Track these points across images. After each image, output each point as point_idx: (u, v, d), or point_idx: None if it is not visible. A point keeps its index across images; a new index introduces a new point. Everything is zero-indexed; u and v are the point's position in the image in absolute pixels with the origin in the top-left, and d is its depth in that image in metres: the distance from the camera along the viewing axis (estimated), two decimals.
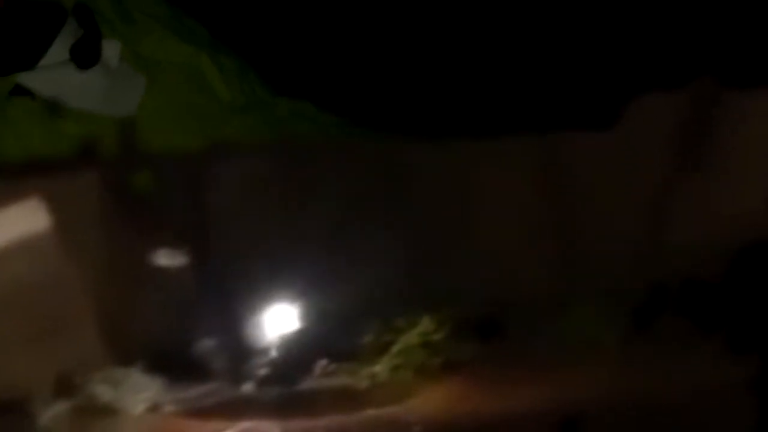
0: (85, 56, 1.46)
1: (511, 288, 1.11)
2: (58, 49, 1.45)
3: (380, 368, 1.08)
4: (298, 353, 1.08)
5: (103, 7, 1.58)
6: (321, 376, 1.09)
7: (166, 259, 1.11)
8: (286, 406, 1.07)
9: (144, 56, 1.61)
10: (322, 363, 1.09)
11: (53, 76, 1.48)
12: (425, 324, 1.08)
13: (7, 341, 1.07)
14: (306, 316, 1.09)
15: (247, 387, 1.08)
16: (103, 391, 1.06)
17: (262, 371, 1.08)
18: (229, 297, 1.10)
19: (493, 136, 1.24)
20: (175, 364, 1.09)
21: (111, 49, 1.54)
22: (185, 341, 1.10)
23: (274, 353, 1.08)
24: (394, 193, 1.17)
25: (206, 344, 1.09)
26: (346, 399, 1.07)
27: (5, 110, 1.47)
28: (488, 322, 1.09)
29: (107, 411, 1.06)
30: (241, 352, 1.09)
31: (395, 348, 1.07)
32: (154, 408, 1.06)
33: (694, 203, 1.14)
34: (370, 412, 1.05)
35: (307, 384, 1.09)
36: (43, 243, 1.11)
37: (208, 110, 1.65)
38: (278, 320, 1.09)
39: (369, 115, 1.80)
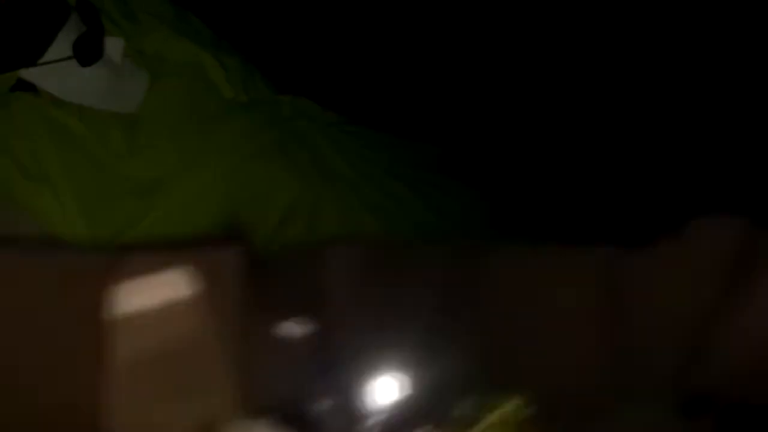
0: (87, 52, 1.44)
1: (575, 383, 1.29)
2: (61, 45, 1.44)
3: None
4: (403, 419, 1.25)
5: (107, 4, 1.60)
6: None
7: (293, 329, 1.28)
8: None
9: (147, 54, 1.62)
10: (424, 429, 1.26)
11: (56, 72, 1.46)
12: (509, 405, 1.25)
13: (151, 396, 1.22)
14: (412, 386, 1.26)
15: None
16: None
17: (370, 431, 1.25)
18: (344, 367, 1.27)
19: (559, 246, 1.40)
20: (297, 420, 1.25)
21: (114, 46, 1.53)
22: (306, 402, 1.26)
23: (382, 416, 1.24)
24: (476, 293, 1.34)
25: (324, 405, 1.25)
26: None
27: (8, 105, 1.47)
28: (558, 411, 1.26)
29: None
30: (353, 413, 1.25)
31: (483, 422, 1.24)
32: None
33: (742, 329, 1.25)
34: None
35: None
36: (188, 310, 1.25)
37: (210, 108, 1.69)
38: (387, 389, 1.26)
39: (371, 114, 1.90)
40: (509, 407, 1.25)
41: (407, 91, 2.07)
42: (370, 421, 1.25)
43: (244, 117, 1.69)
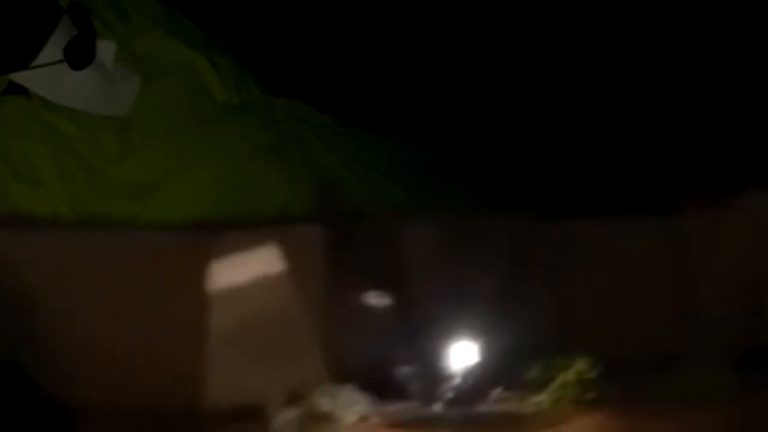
0: (79, 56, 1.42)
1: (644, 341, 1.36)
2: (53, 49, 1.43)
3: (543, 398, 1.32)
4: (478, 382, 1.33)
5: (99, 6, 1.57)
6: (495, 402, 1.34)
7: (374, 300, 1.37)
8: (466, 424, 1.31)
9: (139, 56, 1.60)
10: (497, 391, 1.34)
11: (47, 75, 1.44)
12: (580, 365, 1.32)
13: (248, 361, 1.32)
14: (486, 351, 1.34)
15: (437, 407, 1.33)
16: (323, 403, 1.30)
17: (449, 394, 1.33)
18: (424, 333, 1.35)
19: (621, 214, 1.47)
20: (380, 385, 1.34)
21: (106, 49, 1.50)
22: (389, 366, 1.35)
23: (458, 380, 1.33)
24: (549, 261, 1.41)
25: (405, 370, 1.34)
26: (515, 422, 1.31)
27: (1, 109, 1.46)
28: (628, 368, 1.34)
29: (326, 419, 1.30)
30: (432, 378, 1.34)
31: (556, 383, 1.31)
32: (363, 419, 1.31)
33: None
34: None
35: (484, 407, 1.33)
36: (277, 283, 1.34)
37: (203, 110, 1.66)
38: (462, 354, 1.34)
39: (366, 116, 1.89)
40: (580, 367, 1.32)
41: (402, 93, 2.06)
42: (447, 385, 1.34)
43: (238, 119, 1.68)
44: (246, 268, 1.34)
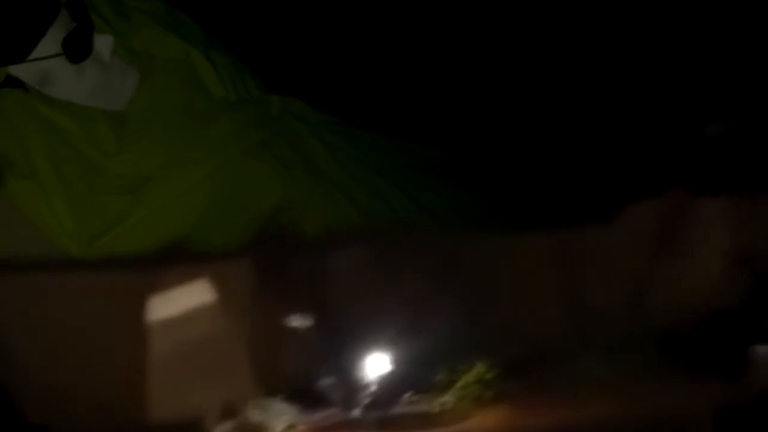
0: (76, 49, 1.39)
1: (540, 340, 1.52)
2: (51, 42, 1.40)
3: (448, 398, 1.47)
4: (391, 387, 1.49)
5: (98, 1, 1.54)
6: (407, 404, 1.51)
7: (299, 321, 1.53)
8: (382, 426, 1.47)
9: (137, 51, 1.58)
10: (408, 394, 1.51)
11: (45, 68, 1.42)
12: (480, 367, 1.48)
13: (187, 380, 1.47)
14: (397, 361, 1.50)
15: (356, 412, 1.49)
16: (255, 415, 1.46)
17: (366, 400, 1.49)
18: (344, 348, 1.51)
19: (521, 231, 1.61)
20: (305, 396, 1.50)
21: (103, 43, 1.48)
22: (312, 379, 1.51)
23: (374, 387, 1.49)
24: (456, 274, 1.57)
25: (327, 381, 1.50)
26: (425, 420, 1.47)
27: None
28: (525, 365, 1.50)
29: (259, 430, 1.46)
30: (351, 387, 1.50)
31: (459, 384, 1.47)
32: (290, 427, 1.47)
33: (673, 278, 1.52)
34: (441, 430, 1.45)
35: (397, 409, 1.50)
36: (210, 312, 1.47)
37: (200, 106, 1.64)
38: (378, 364, 1.50)
39: (362, 115, 1.87)
40: (480, 369, 1.48)
41: (400, 93, 2.06)
42: (365, 393, 1.50)
43: (233, 115, 1.66)
44: (182, 300, 1.47)
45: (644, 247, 1.53)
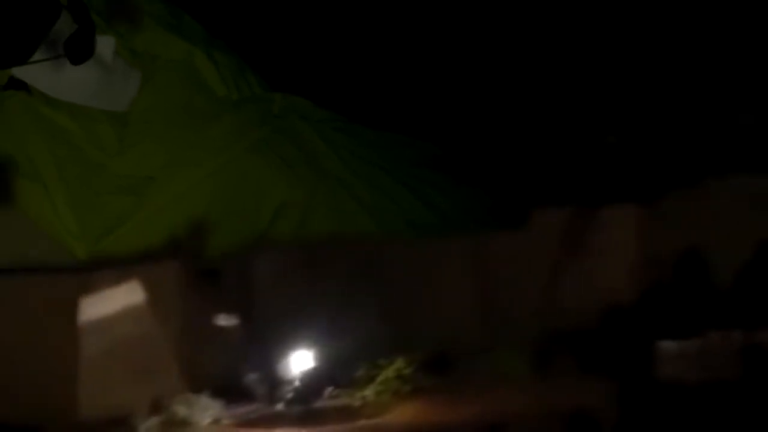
0: (78, 51, 1.34)
1: (455, 338, 1.60)
2: (53, 44, 1.39)
3: (369, 392, 1.55)
4: (313, 383, 1.56)
5: (98, 2, 1.54)
6: (329, 398, 1.58)
7: (225, 320, 1.59)
8: (305, 419, 1.54)
9: (139, 52, 1.58)
10: (330, 389, 1.57)
11: (47, 70, 1.39)
12: (399, 363, 1.55)
13: (116, 377, 1.53)
14: (319, 358, 1.57)
15: (279, 406, 1.55)
16: (181, 410, 1.51)
17: (289, 395, 1.55)
18: (267, 346, 1.58)
19: (438, 237, 1.68)
20: (230, 391, 1.56)
21: (105, 45, 1.48)
22: (237, 375, 1.57)
23: (297, 383, 1.55)
24: (376, 277, 1.64)
25: (252, 377, 1.56)
26: (346, 414, 1.55)
27: (1, 104, 1.45)
28: (441, 362, 1.57)
29: (184, 424, 1.51)
30: (275, 382, 1.56)
31: (379, 379, 1.54)
32: (215, 422, 1.53)
33: (579, 281, 1.60)
34: (362, 422, 1.53)
35: (320, 403, 1.56)
36: (140, 313, 1.53)
37: (202, 106, 1.63)
38: (300, 361, 1.57)
39: (364, 111, 1.87)
40: (399, 365, 1.55)
41: (402, 89, 2.05)
42: (288, 388, 1.56)
43: (236, 114, 1.66)
44: (113, 301, 1.53)
45: (551, 252, 1.61)
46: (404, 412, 1.61)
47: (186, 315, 1.62)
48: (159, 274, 1.60)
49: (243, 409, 1.63)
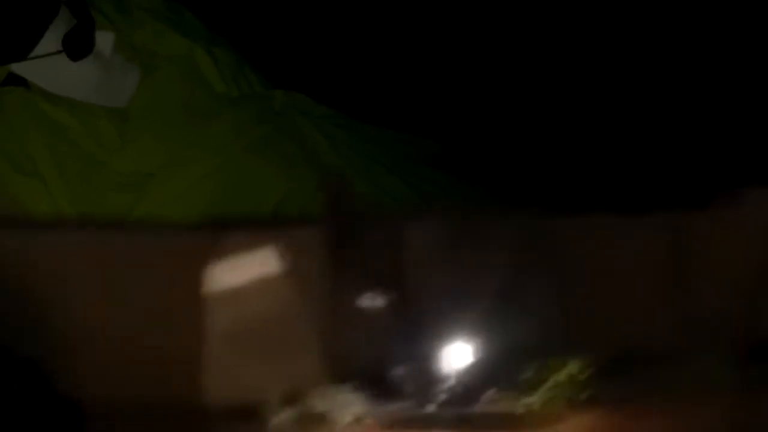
0: (77, 46, 1.46)
1: (640, 340, 1.37)
2: (51, 39, 1.46)
3: (535, 399, 1.34)
4: (472, 383, 1.36)
5: None
6: (488, 402, 1.37)
7: (373, 300, 1.40)
8: (459, 425, 1.34)
9: (138, 48, 1.65)
10: (490, 392, 1.36)
11: (46, 66, 1.49)
12: (573, 366, 1.34)
13: (247, 360, 1.36)
14: (481, 352, 1.37)
15: (430, 407, 1.36)
16: (319, 404, 1.34)
17: (443, 395, 1.36)
18: (421, 334, 1.39)
19: (621, 212, 1.50)
20: (376, 385, 1.38)
21: (105, 40, 1.56)
22: (384, 368, 1.38)
23: (452, 382, 1.35)
24: (553, 258, 1.43)
25: (401, 371, 1.37)
26: (507, 422, 1.33)
27: (0, 100, 1.51)
28: (625, 366, 1.35)
29: (321, 420, 1.34)
30: (427, 379, 1.37)
31: (548, 384, 1.34)
32: (357, 420, 1.34)
33: None
34: None
35: (477, 407, 1.36)
36: (275, 285, 1.39)
37: (201, 103, 1.70)
38: (457, 356, 1.37)
39: (366, 108, 1.91)
40: (572, 368, 1.34)
41: (404, 85, 2.14)
42: (442, 386, 1.37)
43: (236, 111, 1.74)
44: (245, 270, 1.39)
45: (762, 242, 1.39)
46: (577, 425, 1.39)
47: (327, 291, 1.49)
48: (297, 241, 1.49)
49: (389, 408, 1.45)
